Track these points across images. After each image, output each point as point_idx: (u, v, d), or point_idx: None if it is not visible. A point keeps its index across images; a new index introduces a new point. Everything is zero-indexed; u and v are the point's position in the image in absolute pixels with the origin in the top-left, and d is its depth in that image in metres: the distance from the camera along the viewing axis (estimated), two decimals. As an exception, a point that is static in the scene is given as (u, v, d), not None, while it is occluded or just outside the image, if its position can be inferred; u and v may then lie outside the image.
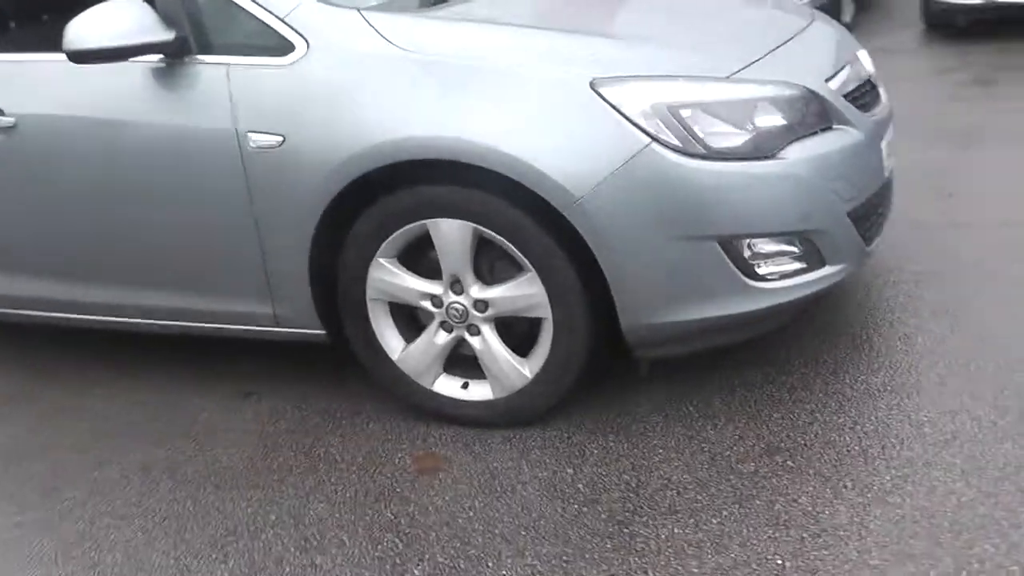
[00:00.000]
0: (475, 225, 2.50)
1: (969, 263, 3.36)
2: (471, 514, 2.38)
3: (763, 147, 2.41)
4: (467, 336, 2.66)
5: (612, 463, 2.49)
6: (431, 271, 2.65)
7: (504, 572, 2.17)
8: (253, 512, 2.51)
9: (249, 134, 2.63)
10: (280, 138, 2.60)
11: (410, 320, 2.77)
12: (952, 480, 2.25)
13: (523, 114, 2.42)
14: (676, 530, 2.22)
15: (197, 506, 2.57)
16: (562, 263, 2.46)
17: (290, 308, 2.82)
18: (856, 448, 2.42)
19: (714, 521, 2.23)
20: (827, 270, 2.55)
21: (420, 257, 2.66)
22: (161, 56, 2.71)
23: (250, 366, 3.26)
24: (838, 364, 2.82)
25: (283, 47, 2.61)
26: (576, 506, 2.35)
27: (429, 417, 2.79)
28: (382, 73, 2.53)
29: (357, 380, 3.04)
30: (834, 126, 2.56)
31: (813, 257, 2.52)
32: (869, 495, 2.24)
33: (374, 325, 2.74)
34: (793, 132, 2.45)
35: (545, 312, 2.53)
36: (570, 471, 2.49)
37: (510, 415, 2.69)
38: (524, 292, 2.53)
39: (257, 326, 2.92)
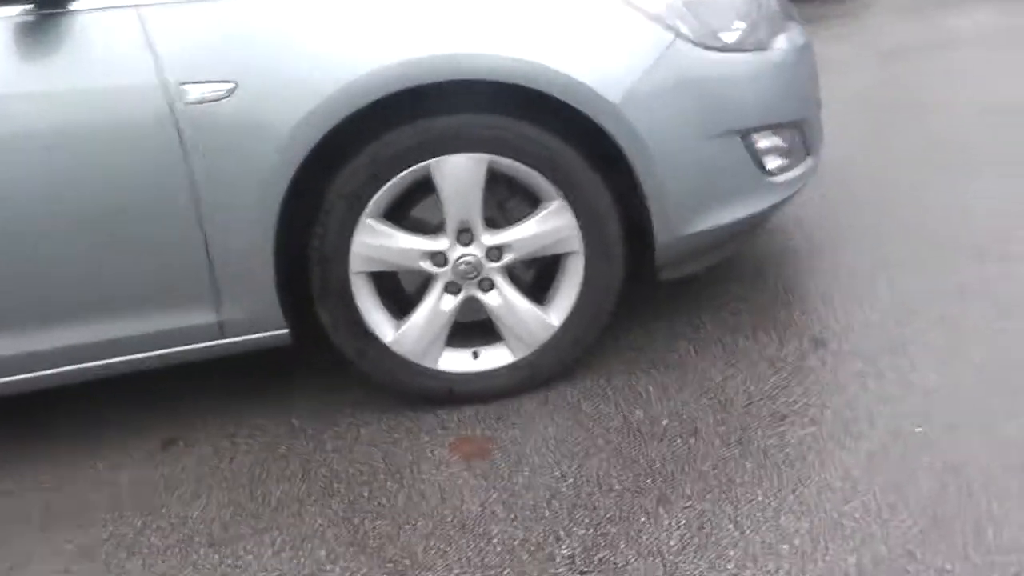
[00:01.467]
0: (492, 156, 2.16)
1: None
2: (573, 480, 2.03)
3: (761, 39, 2.34)
4: (478, 294, 2.29)
5: (677, 394, 2.27)
6: (418, 227, 2.26)
7: (669, 522, 1.87)
8: (295, 556, 1.95)
9: (184, 86, 2.07)
10: (230, 84, 2.07)
11: (390, 296, 2.34)
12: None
13: (539, 19, 2.14)
14: (802, 431, 2.06)
15: (205, 570, 1.95)
16: (596, 184, 2.21)
17: (242, 309, 2.25)
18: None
19: (828, 413, 2.11)
20: (809, 162, 2.54)
21: (402, 214, 2.26)
22: (26, 7, 2.06)
23: (151, 414, 2.57)
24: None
25: (211, -25, 2.10)
26: (680, 440, 2.10)
27: (434, 403, 2.36)
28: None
29: (306, 389, 2.53)
30: (786, 24, 2.57)
31: (800, 149, 2.49)
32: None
33: (359, 305, 2.27)
34: (776, 25, 2.42)
35: (574, 245, 2.25)
36: (639, 412, 2.22)
37: (535, 376, 2.35)
38: (551, 226, 2.23)
39: (191, 344, 2.29)
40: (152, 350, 2.29)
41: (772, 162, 2.40)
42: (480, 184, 2.18)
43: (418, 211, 2.29)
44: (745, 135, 2.30)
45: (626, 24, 2.18)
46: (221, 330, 2.27)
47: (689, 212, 2.28)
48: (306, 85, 2.07)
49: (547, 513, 1.95)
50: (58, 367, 2.28)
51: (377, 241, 2.21)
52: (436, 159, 2.15)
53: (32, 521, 2.20)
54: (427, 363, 2.32)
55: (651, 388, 2.31)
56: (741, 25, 2.30)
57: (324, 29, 2.09)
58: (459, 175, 2.17)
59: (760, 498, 1.91)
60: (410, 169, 2.16)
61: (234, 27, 2.09)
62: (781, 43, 2.40)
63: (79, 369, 2.29)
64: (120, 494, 2.25)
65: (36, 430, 2.57)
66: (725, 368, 2.34)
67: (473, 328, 2.36)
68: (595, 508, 1.94)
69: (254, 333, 2.29)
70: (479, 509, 1.99)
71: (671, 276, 2.42)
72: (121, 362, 2.30)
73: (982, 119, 3.78)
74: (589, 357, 2.42)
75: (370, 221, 2.19)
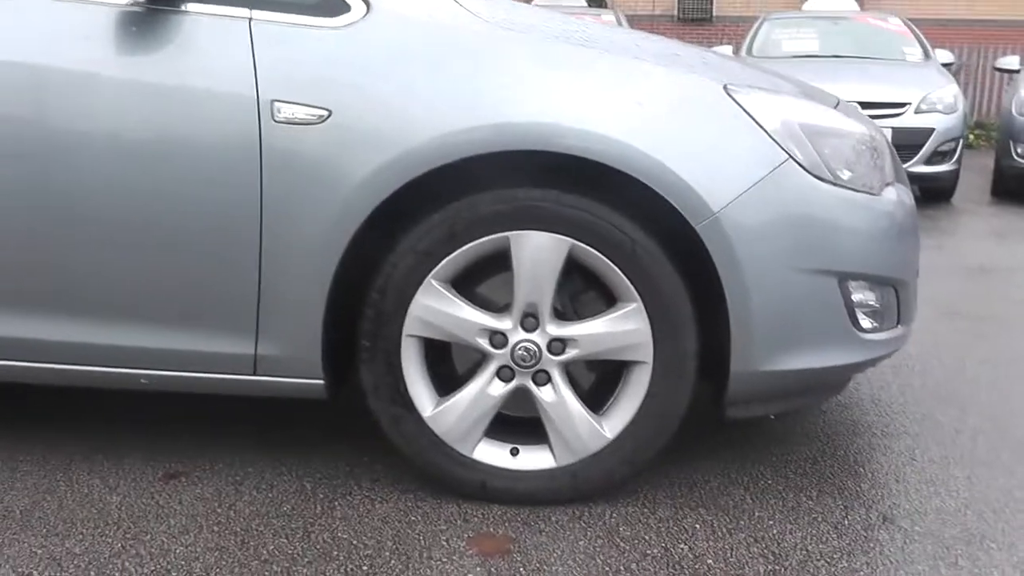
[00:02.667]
0: (574, 241, 2.05)
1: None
2: (596, 598, 1.81)
3: (871, 184, 2.24)
4: (531, 386, 2.12)
5: (727, 537, 2.04)
6: (482, 304, 2.13)
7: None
8: (273, 610, 1.74)
9: (277, 104, 2.02)
10: (324, 112, 2.02)
11: (438, 368, 2.20)
12: None
13: (652, 110, 2.08)
14: (861, 603, 1.83)
15: (175, 608, 1.75)
16: (679, 292, 2.07)
17: (282, 348, 2.12)
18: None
19: (893, 593, 1.87)
20: (900, 330, 2.37)
21: (468, 287, 2.15)
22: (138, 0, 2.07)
23: (162, 442, 2.42)
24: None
25: (334, 6, 2.08)
26: (724, 583, 1.88)
27: (460, 494, 2.17)
28: (468, 45, 2.09)
29: (327, 454, 2.36)
30: (896, 184, 2.47)
31: (892, 313, 2.33)
32: None
33: (405, 370, 2.12)
34: (887, 176, 2.32)
35: (643, 354, 2.10)
36: (684, 547, 2.00)
37: (575, 487, 2.15)
38: (622, 328, 2.09)
39: (221, 373, 2.16)
40: (180, 370, 2.17)
41: (863, 318, 2.25)
42: (557, 268, 2.06)
43: (485, 288, 2.18)
44: (842, 279, 2.16)
45: (741, 133, 2.10)
46: (255, 365, 2.14)
47: (771, 347, 2.12)
48: (401, 128, 2.02)
49: (564, 627, 1.72)
50: (86, 364, 2.16)
51: (439, 306, 2.08)
52: (517, 232, 2.05)
53: (12, 519, 2.03)
54: (462, 449, 2.14)
55: (698, 526, 2.08)
56: (855, 163, 2.21)
57: (430, 75, 2.05)
58: (537, 253, 2.05)
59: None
60: (489, 237, 2.05)
61: (341, 56, 2.06)
62: (891, 194, 2.30)
63: (103, 373, 2.17)
64: (107, 513, 2.08)
65: (41, 431, 2.44)
66: (783, 522, 2.11)
67: (516, 424, 2.19)
68: (620, 635, 1.71)
69: (288, 377, 2.15)
70: (489, 610, 1.77)
71: (736, 415, 2.23)
72: (147, 375, 2.17)
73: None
74: (634, 482, 2.22)
75: (436, 283, 2.08)
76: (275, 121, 2.03)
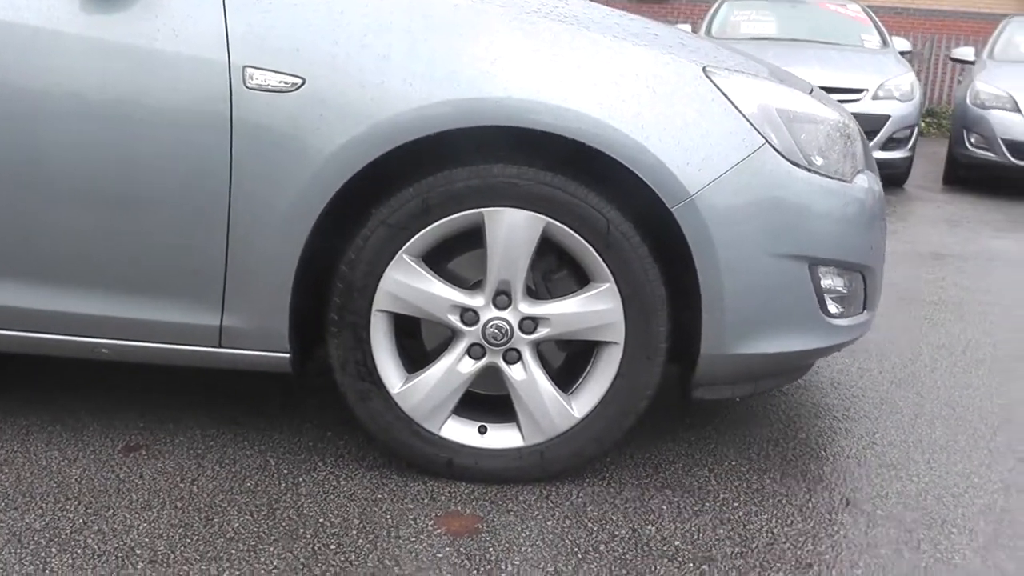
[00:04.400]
0: (549, 219, 2.03)
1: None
2: (567, 578, 1.81)
3: (844, 171, 2.25)
4: (502, 364, 2.11)
5: (693, 518, 2.05)
6: (453, 281, 2.11)
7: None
8: (239, 588, 1.71)
9: (249, 70, 1.97)
10: (298, 80, 1.97)
11: (406, 344, 2.17)
12: None
13: (632, 91, 2.05)
14: (827, 585, 1.85)
15: (137, 586, 1.71)
16: (653, 275, 2.06)
17: (248, 320, 2.08)
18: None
19: (858, 571, 1.89)
20: (865, 316, 2.39)
21: (439, 261, 2.12)
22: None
23: (120, 414, 2.36)
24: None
25: (309, -28, 2.03)
26: (693, 565, 1.88)
27: (427, 472, 2.15)
28: (446, 17, 2.05)
29: (288, 429, 2.32)
30: (866, 171, 2.48)
31: (859, 299, 2.35)
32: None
33: (373, 345, 2.09)
34: (857, 163, 2.33)
35: (614, 335, 2.09)
36: (651, 528, 2.00)
37: (543, 467, 2.14)
38: (595, 308, 2.08)
39: (185, 344, 2.11)
40: (143, 340, 2.11)
41: (831, 304, 2.26)
42: (532, 245, 2.04)
43: (456, 264, 2.15)
44: (813, 264, 2.17)
45: (718, 116, 2.09)
46: (220, 337, 2.09)
47: (742, 330, 2.12)
48: (378, 99, 1.97)
49: (538, 606, 1.72)
50: (44, 332, 2.10)
51: (410, 281, 2.05)
52: (492, 209, 2.02)
53: (-37, 494, 1.97)
54: (429, 426, 2.12)
55: (665, 507, 2.09)
56: (828, 150, 2.21)
57: (407, 47, 2.01)
58: (512, 231, 2.03)
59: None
60: (463, 212, 2.02)
61: (316, 23, 2.01)
62: (862, 181, 2.31)
63: (62, 341, 2.11)
64: (68, 487, 2.03)
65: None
66: (748, 504, 2.12)
67: (484, 402, 2.18)
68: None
69: (254, 349, 2.11)
70: (461, 591, 1.76)
71: (702, 396, 2.24)
72: (107, 345, 2.12)
73: (1018, 326, 3.69)
74: (599, 463, 2.22)
75: (408, 258, 2.04)
76: (247, 88, 1.97)
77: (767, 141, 2.10)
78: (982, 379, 3.05)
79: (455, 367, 2.10)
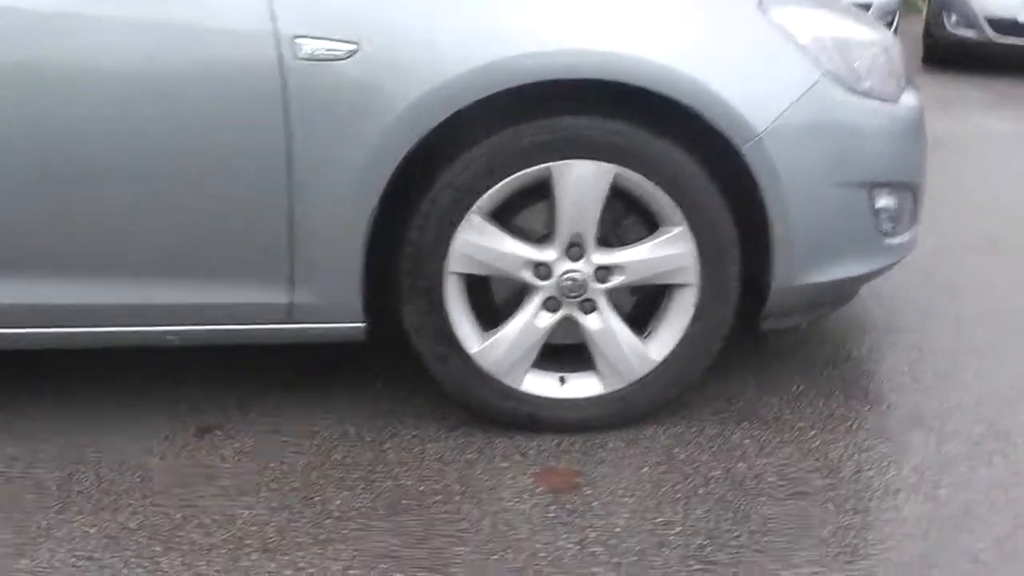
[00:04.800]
0: (619, 168, 2.00)
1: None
2: (681, 529, 1.84)
3: (892, 92, 2.24)
4: (578, 315, 2.10)
5: (777, 451, 2.10)
6: (521, 235, 2.08)
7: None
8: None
9: (298, 40, 1.88)
10: (351, 46, 1.89)
11: (478, 303, 2.15)
12: None
13: (690, 32, 2.01)
14: (919, 508, 1.91)
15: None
16: (724, 214, 2.06)
17: (318, 294, 2.03)
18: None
19: (943, 492, 1.96)
20: (914, 232, 2.42)
21: (505, 217, 2.09)
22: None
23: (184, 396, 2.31)
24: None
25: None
26: (791, 501, 1.92)
27: (510, 427, 2.16)
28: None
29: (357, 395, 2.31)
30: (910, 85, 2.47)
31: (909, 215, 2.37)
32: None
33: (448, 308, 2.06)
34: (902, 80, 2.32)
35: (689, 277, 2.09)
36: (742, 466, 2.05)
37: (625, 412, 2.17)
38: (668, 252, 2.07)
39: (253, 323, 2.07)
40: (211, 324, 2.06)
41: (885, 224, 2.28)
42: (602, 196, 2.02)
43: (522, 219, 2.12)
44: (871, 188, 2.18)
45: (778, 51, 2.06)
46: (289, 313, 2.05)
47: (809, 260, 2.13)
48: (438, 59, 1.91)
49: (657, 562, 1.75)
50: (115, 326, 2.04)
51: (482, 241, 2.02)
52: (560, 163, 1.99)
53: (49, 495, 1.93)
54: (510, 382, 2.12)
55: (748, 442, 2.13)
56: (878, 73, 2.20)
57: (462, 2, 1.94)
58: (581, 183, 2.00)
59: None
60: (531, 169, 1.99)
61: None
62: (907, 99, 2.31)
63: (128, 333, 2.06)
64: (151, 480, 1.99)
65: (54, 396, 2.30)
66: (824, 432, 2.18)
67: (560, 352, 2.18)
68: (712, 562, 1.75)
69: (325, 322, 2.07)
70: (576, 548, 1.78)
71: (771, 327, 2.27)
72: (175, 332, 2.06)
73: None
74: (675, 402, 2.24)
75: (477, 218, 2.01)
76: (298, 59, 1.89)
77: (825, 71, 2.08)
78: (1013, 275, 3.11)
79: (532, 322, 2.09)
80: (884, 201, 2.25)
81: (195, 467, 2.04)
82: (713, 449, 2.10)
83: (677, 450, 2.10)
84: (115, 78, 1.88)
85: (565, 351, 2.17)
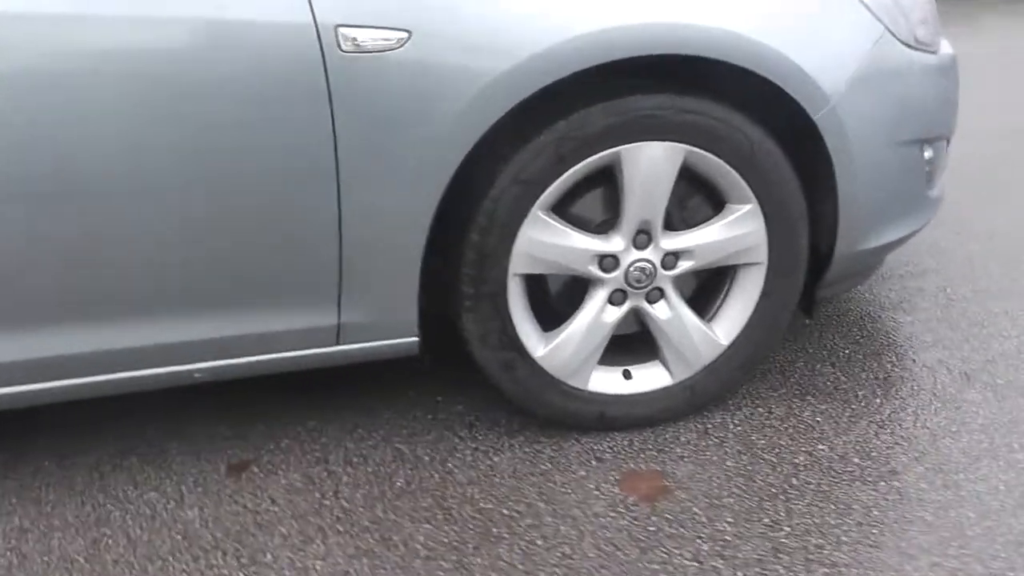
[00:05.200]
0: (691, 148, 1.85)
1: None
2: (790, 529, 1.75)
3: (935, 42, 2.15)
4: (645, 306, 1.96)
5: (851, 427, 2.03)
6: (579, 225, 1.91)
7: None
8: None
9: (343, 30, 1.63)
10: (402, 34, 1.65)
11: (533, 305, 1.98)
12: None
13: (759, -5, 1.85)
14: (1004, 476, 1.88)
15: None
16: (795, 188, 1.94)
17: (370, 311, 1.82)
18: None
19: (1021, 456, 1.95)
20: (942, 183, 2.37)
21: (560, 209, 1.91)
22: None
23: (198, 430, 2.07)
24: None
25: None
26: (884, 483, 1.86)
27: (576, 428, 2.02)
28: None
29: (394, 406, 2.12)
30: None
31: (943, 165, 2.31)
32: None
33: (512, 313, 1.89)
34: (939, 27, 2.23)
35: (758, 255, 1.97)
36: (824, 448, 1.98)
37: (694, 401, 2.06)
38: (738, 232, 1.94)
39: (298, 350, 1.84)
40: (244, 356, 1.82)
41: (928, 178, 2.21)
42: (672, 179, 1.86)
43: (577, 208, 1.94)
44: (922, 143, 2.11)
45: (843, 9, 1.92)
46: (337, 335, 1.84)
47: (871, 225, 2.05)
48: (500, 43, 1.68)
49: (780, 570, 1.66)
50: (128, 371, 1.77)
51: (548, 237, 1.84)
52: (629, 146, 1.82)
53: (77, 569, 1.69)
54: (576, 383, 1.98)
55: (819, 419, 2.06)
56: (925, 23, 2.10)
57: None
58: (652, 165, 1.84)
59: (1002, 552, 1.71)
60: (600, 155, 1.81)
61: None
62: (946, 48, 2.22)
63: (152, 375, 1.79)
64: (197, 537, 1.77)
65: (52, 448, 2.02)
66: (888, 398, 2.13)
67: (616, 344, 2.04)
68: (834, 564, 1.67)
69: (376, 340, 1.87)
70: (696, 567, 1.67)
71: (826, 295, 2.19)
72: (201, 368, 1.82)
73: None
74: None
75: (542, 213, 1.83)
76: (342, 51, 1.63)
77: (886, 28, 1.96)
78: (1013, 212, 3.14)
79: (599, 318, 1.94)
80: (928, 154, 2.18)
81: (243, 514, 1.82)
82: (789, 432, 2.03)
83: (754, 437, 2.01)
84: (131, 83, 1.58)
85: (619, 342, 2.03)
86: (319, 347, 1.84)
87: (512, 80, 1.69)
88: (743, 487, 1.87)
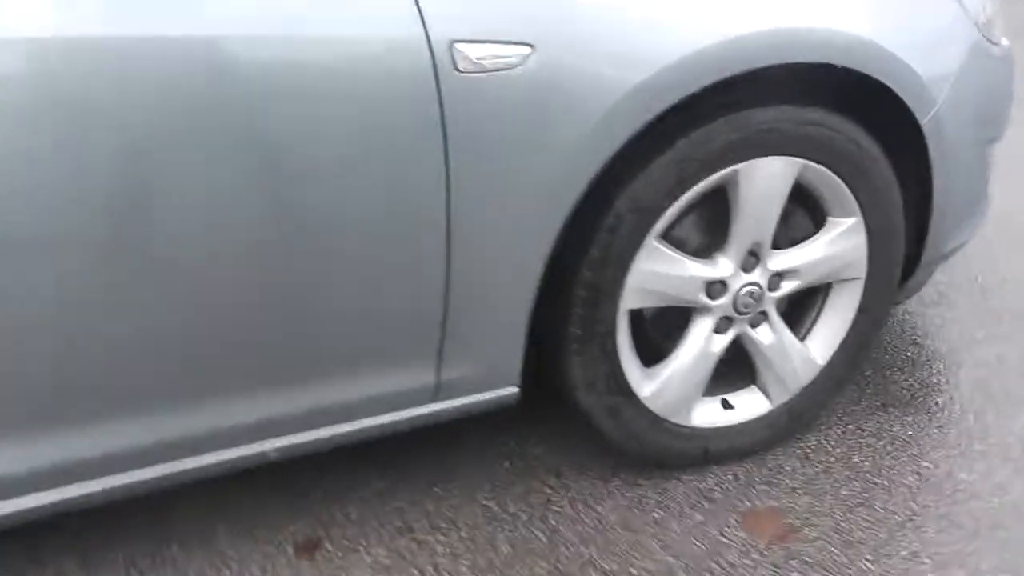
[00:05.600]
0: (806, 162, 1.70)
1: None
2: (931, 563, 1.66)
3: (999, 35, 2.07)
4: (748, 331, 1.81)
5: (946, 440, 1.96)
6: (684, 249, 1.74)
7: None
8: None
9: (459, 46, 1.38)
10: (525, 49, 1.41)
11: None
12: None
13: (876, -3, 1.70)
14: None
15: None
16: (897, 198, 1.82)
17: (474, 364, 1.59)
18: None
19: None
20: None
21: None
22: None
23: (251, 502, 1.78)
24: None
25: None
26: (996, 500, 1.81)
27: (676, 467, 1.86)
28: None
29: (461, 454, 1.91)
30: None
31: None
32: None
33: (620, 353, 1.70)
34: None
35: (858, 270, 1.86)
36: (928, 465, 1.89)
37: (791, 426, 1.93)
38: (843, 246, 1.81)
39: (385, 414, 1.59)
40: (323, 426, 1.56)
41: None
42: (785, 196, 1.71)
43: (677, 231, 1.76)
44: (991, 143, 2.04)
45: (942, 8, 1.81)
46: (435, 393, 1.61)
47: (955, 228, 1.97)
48: (629, 55, 1.47)
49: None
50: (187, 457, 1.48)
51: (662, 267, 1.66)
52: (747, 163, 1.65)
53: None
54: (679, 419, 1.81)
55: (911, 433, 1.99)
56: (996, 17, 2.02)
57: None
58: (768, 184, 1.68)
59: None
60: (718, 175, 1.63)
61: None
62: (1005, 40, 2.16)
63: (217, 462, 1.51)
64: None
65: (74, 531, 1.70)
66: (963, 403, 2.08)
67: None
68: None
69: (474, 394, 1.64)
70: (860, 612, 1.57)
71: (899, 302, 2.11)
72: (277, 448, 1.55)
73: None
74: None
75: (656, 242, 1.64)
76: (458, 71, 1.39)
77: (976, 25, 1.87)
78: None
79: (706, 349, 1.77)
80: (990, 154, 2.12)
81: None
82: (888, 450, 1.94)
83: (856, 459, 1.91)
84: (221, 111, 1.29)
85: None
86: (411, 408, 1.61)
87: (642, 96, 1.49)
88: (867, 518, 1.76)
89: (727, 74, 1.53)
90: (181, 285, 1.34)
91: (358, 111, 1.35)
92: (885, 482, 1.85)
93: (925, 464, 1.90)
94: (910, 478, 1.87)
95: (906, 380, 2.16)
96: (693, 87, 1.52)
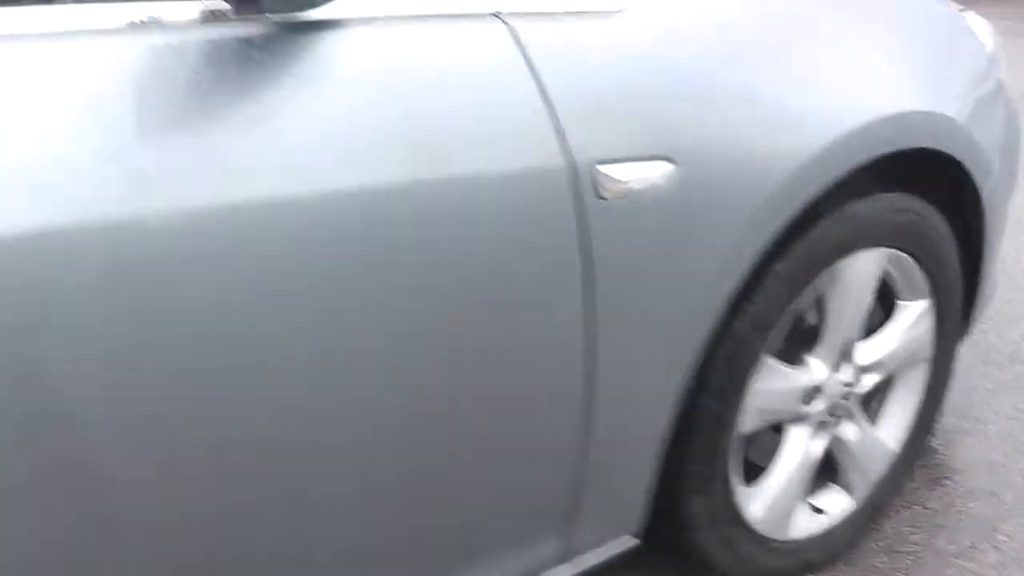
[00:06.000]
0: (892, 251, 1.60)
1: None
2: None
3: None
4: (839, 431, 1.70)
5: (1015, 510, 1.92)
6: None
7: None
8: None
9: (603, 168, 1.18)
10: (666, 165, 1.23)
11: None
12: None
13: (944, 68, 1.63)
14: None
15: None
16: (959, 277, 1.77)
17: (599, 528, 1.38)
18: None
19: None
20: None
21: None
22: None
23: None
24: None
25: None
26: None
27: (776, 585, 1.71)
28: (794, 20, 1.41)
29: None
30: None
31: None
32: None
33: (733, 482, 1.53)
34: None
35: (927, 354, 1.78)
36: (1003, 538, 1.84)
37: (870, 518, 1.82)
38: (918, 331, 1.73)
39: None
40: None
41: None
42: (875, 288, 1.62)
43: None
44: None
45: (983, 68, 1.77)
46: (562, 556, 1.38)
47: (992, 293, 1.96)
48: (763, 158, 1.32)
49: None
50: None
51: (775, 384, 1.52)
52: (847, 258, 1.54)
53: None
54: (779, 535, 1.67)
55: (972, 504, 1.93)
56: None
57: (777, 72, 1.36)
58: (860, 277, 1.58)
59: None
60: (819, 276, 1.51)
61: (662, 69, 1.26)
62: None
63: None
64: None
65: None
66: (1016, 452, 2.05)
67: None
68: None
69: (600, 546, 1.43)
70: None
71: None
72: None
73: None
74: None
75: (770, 359, 1.50)
76: (600, 198, 1.19)
77: (999, 81, 1.86)
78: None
79: (806, 458, 1.64)
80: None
81: None
82: (963, 528, 1.87)
83: (939, 543, 1.83)
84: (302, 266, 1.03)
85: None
86: (542, 570, 1.37)
87: (782, 195, 1.34)
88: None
89: (852, 165, 1.42)
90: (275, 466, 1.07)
91: (486, 244, 1.12)
92: (975, 565, 1.78)
93: (1000, 537, 1.85)
94: (991, 555, 1.80)
95: (947, 448, 2.12)
96: (823, 182, 1.39)
